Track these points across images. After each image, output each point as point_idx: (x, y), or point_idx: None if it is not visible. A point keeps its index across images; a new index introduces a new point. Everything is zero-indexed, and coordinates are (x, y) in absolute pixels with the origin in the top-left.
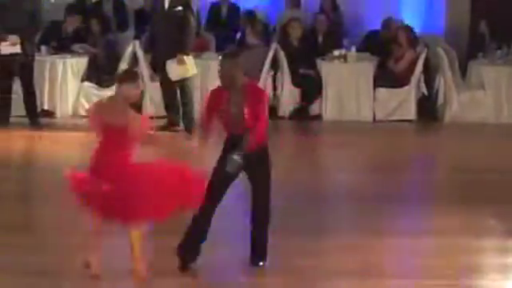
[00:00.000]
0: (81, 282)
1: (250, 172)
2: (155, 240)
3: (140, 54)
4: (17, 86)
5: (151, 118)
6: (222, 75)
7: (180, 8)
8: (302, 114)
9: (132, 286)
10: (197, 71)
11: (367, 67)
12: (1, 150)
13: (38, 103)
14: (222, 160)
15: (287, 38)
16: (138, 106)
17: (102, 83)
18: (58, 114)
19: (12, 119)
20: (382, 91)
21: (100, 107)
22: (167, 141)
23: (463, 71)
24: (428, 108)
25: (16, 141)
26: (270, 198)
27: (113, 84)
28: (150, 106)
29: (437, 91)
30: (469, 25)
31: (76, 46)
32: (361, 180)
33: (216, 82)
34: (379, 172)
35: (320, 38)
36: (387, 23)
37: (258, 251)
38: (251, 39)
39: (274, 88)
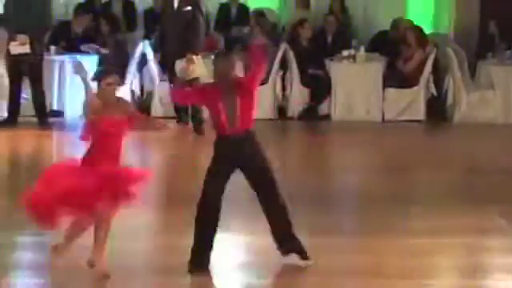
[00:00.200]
0: (89, 282)
1: (244, 165)
2: (161, 239)
3: (149, 53)
4: (26, 86)
5: (160, 118)
6: (217, 74)
7: (189, 8)
8: (310, 114)
9: (138, 285)
10: (206, 71)
11: (376, 67)
12: (10, 150)
13: (47, 103)
14: (214, 169)
15: (297, 39)
16: (146, 106)
17: None
18: (67, 114)
19: (21, 119)
20: (391, 91)
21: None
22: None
23: (472, 71)
24: (437, 108)
25: (25, 140)
26: (274, 186)
27: (122, 84)
28: (158, 106)
29: (446, 91)
30: (478, 25)
31: (85, 46)
32: (369, 180)
33: None
34: (388, 172)
35: (329, 39)
36: (396, 23)
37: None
38: (260, 39)
39: (283, 88)
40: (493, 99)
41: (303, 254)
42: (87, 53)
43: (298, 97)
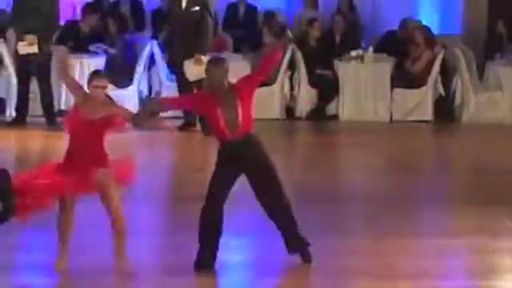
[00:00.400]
0: (94, 281)
1: (247, 169)
2: (166, 238)
3: (157, 54)
4: (34, 86)
5: (168, 118)
6: (210, 81)
7: (197, 8)
8: (318, 115)
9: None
10: None
11: (384, 68)
12: (18, 150)
13: (55, 103)
14: (218, 173)
15: (305, 38)
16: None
17: (118, 83)
18: None
19: (29, 119)
20: (399, 92)
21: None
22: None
23: (480, 72)
24: (445, 109)
25: (33, 140)
26: (278, 189)
27: (130, 84)
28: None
29: (454, 92)
30: (486, 25)
31: (93, 46)
32: (377, 181)
33: (233, 82)
34: (396, 173)
35: (337, 39)
36: (404, 24)
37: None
38: (268, 39)
39: (291, 88)
40: (501, 100)
41: (305, 256)
42: (95, 53)
43: (306, 97)
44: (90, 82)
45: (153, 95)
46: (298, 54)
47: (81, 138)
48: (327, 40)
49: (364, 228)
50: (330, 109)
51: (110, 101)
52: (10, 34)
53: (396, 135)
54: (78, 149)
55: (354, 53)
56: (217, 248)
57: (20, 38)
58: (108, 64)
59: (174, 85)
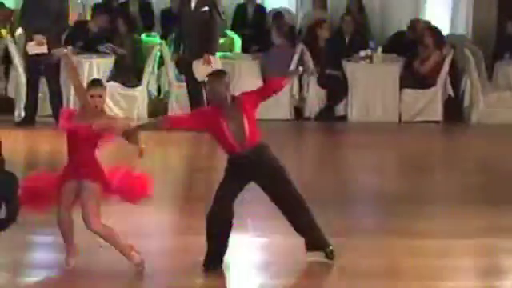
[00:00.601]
0: (109, 280)
1: (257, 177)
2: (174, 240)
3: (166, 54)
4: (43, 86)
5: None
6: (212, 95)
7: (206, 8)
8: (327, 115)
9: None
10: None
11: (393, 68)
12: (27, 150)
13: (64, 103)
14: (227, 180)
15: (315, 39)
16: (163, 107)
17: (127, 83)
18: None
19: (38, 119)
20: (408, 92)
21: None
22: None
23: (490, 72)
24: (454, 109)
25: (42, 141)
26: (290, 192)
27: (138, 84)
28: (175, 106)
29: (463, 92)
30: (495, 25)
31: (102, 47)
32: (386, 181)
33: (242, 82)
34: (405, 173)
35: (346, 39)
36: (414, 24)
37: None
38: (277, 40)
39: (300, 89)
40: (510, 100)
41: (328, 254)
42: (104, 53)
43: (315, 97)
44: (87, 90)
45: (161, 96)
46: (307, 55)
47: (74, 144)
48: (336, 40)
49: (372, 228)
50: (339, 109)
51: (106, 115)
52: (20, 33)
53: (405, 136)
54: (72, 153)
55: (362, 53)
56: (225, 249)
57: (29, 38)
58: (117, 64)
59: (183, 85)
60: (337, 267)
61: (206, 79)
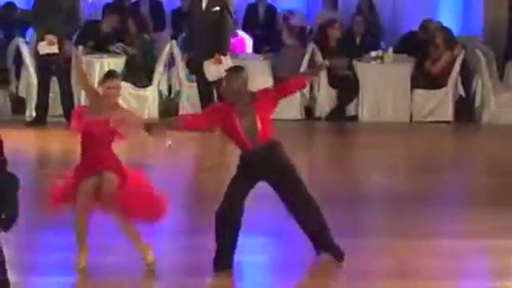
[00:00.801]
0: (120, 280)
1: (267, 175)
2: (183, 239)
3: (177, 54)
4: (54, 86)
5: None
6: (229, 90)
7: (217, 8)
8: (338, 115)
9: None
10: None
11: (404, 68)
12: (39, 150)
13: (75, 103)
14: (238, 177)
15: (326, 39)
16: (173, 106)
17: (138, 83)
18: None
19: (49, 119)
20: (419, 92)
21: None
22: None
23: (501, 72)
24: (465, 109)
25: (53, 140)
26: (300, 192)
27: (149, 84)
28: (186, 106)
29: (474, 92)
30: (507, 26)
31: (113, 46)
32: (397, 181)
33: (253, 82)
34: (416, 173)
35: (357, 39)
36: (425, 24)
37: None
38: (288, 40)
39: (311, 89)
40: None
41: (337, 256)
42: (115, 53)
43: (326, 97)
44: (102, 82)
45: (172, 96)
46: (318, 55)
47: (89, 142)
48: (347, 40)
49: (383, 228)
50: (350, 109)
51: (122, 109)
52: (31, 33)
53: (416, 136)
54: (87, 151)
55: (373, 53)
56: (234, 248)
57: (40, 38)
58: (128, 64)
59: (194, 85)
60: (346, 267)
61: (218, 78)
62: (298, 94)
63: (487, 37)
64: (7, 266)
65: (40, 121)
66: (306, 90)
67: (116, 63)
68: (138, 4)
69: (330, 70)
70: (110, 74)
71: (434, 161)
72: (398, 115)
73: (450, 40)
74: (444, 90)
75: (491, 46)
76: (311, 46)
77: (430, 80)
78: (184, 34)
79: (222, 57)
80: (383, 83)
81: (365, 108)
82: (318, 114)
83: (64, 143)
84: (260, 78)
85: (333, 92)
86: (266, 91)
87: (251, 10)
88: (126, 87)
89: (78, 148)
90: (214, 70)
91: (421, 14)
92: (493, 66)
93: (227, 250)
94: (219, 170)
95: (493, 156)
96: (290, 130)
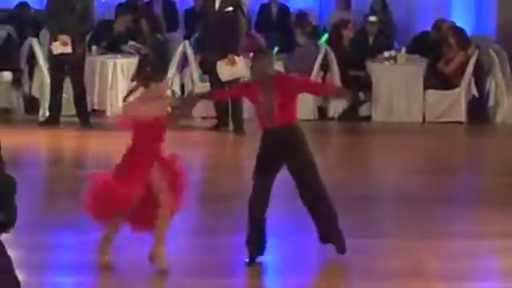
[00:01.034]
0: (133, 279)
1: (285, 158)
2: (197, 239)
3: (190, 54)
4: (67, 86)
5: (203, 118)
6: (255, 72)
7: (231, 8)
8: (351, 115)
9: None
10: (247, 72)
11: (417, 69)
12: (52, 150)
13: (89, 103)
14: (259, 158)
15: (339, 39)
16: None
17: None
18: (108, 113)
19: (63, 119)
20: (432, 93)
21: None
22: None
23: None
24: (478, 110)
25: (67, 140)
26: (315, 182)
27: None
28: (199, 105)
29: (487, 93)
30: None
31: (126, 46)
32: (410, 182)
33: None
34: (429, 174)
35: (370, 40)
36: (438, 25)
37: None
38: (301, 40)
39: None
40: None
41: (339, 248)
42: (128, 53)
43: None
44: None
45: (185, 96)
46: (331, 55)
47: (141, 139)
48: (360, 41)
49: (396, 228)
50: (363, 110)
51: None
52: (44, 33)
53: (429, 136)
54: (139, 151)
55: (386, 54)
56: (261, 235)
57: (54, 38)
58: (141, 64)
59: (207, 85)
60: (360, 268)
61: (231, 79)
62: (311, 95)
63: (500, 37)
64: (14, 265)
65: (53, 121)
66: None
67: (129, 63)
68: (151, 4)
69: (343, 71)
70: (141, 66)
71: (447, 161)
72: (410, 116)
73: (463, 40)
74: (457, 90)
75: (505, 45)
76: (324, 47)
77: (443, 80)
78: (197, 34)
79: (235, 57)
80: (396, 83)
81: (378, 108)
82: (331, 114)
83: (77, 143)
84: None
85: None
86: (292, 79)
87: (264, 10)
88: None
89: (92, 147)
90: (227, 70)
91: (434, 13)
92: (506, 66)
93: (257, 238)
94: (234, 171)
95: (506, 156)
96: (303, 130)
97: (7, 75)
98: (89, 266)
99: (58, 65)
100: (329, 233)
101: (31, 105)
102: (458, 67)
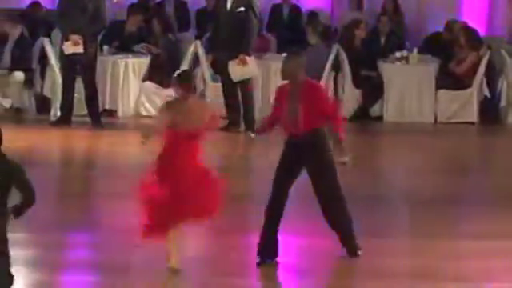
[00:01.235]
0: (146, 279)
1: (306, 161)
2: (215, 239)
3: (201, 54)
4: (79, 86)
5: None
6: (285, 73)
7: (242, 9)
8: (363, 116)
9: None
10: (258, 72)
11: (429, 69)
12: (63, 149)
13: (100, 103)
14: (283, 163)
15: (351, 39)
16: None
17: (163, 83)
18: (120, 113)
19: (74, 118)
20: (444, 93)
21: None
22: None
23: None
24: (490, 110)
25: (78, 140)
26: (333, 184)
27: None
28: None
29: (499, 93)
30: None
31: (137, 46)
32: (422, 182)
33: (277, 83)
34: (440, 174)
35: (382, 40)
36: (450, 25)
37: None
38: (312, 40)
39: (335, 89)
40: None
41: (351, 252)
42: (140, 53)
43: (351, 98)
44: (178, 84)
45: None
46: (343, 55)
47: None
48: (372, 41)
49: (407, 229)
50: (375, 110)
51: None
52: (56, 33)
53: (441, 137)
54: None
55: (398, 54)
56: (273, 235)
57: (66, 38)
58: (152, 64)
59: (218, 85)
60: (372, 268)
61: (242, 78)
62: None
63: None
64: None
65: (65, 120)
66: (331, 91)
67: (141, 63)
68: (162, 4)
69: (354, 71)
70: (184, 78)
71: (459, 162)
72: (422, 116)
73: (474, 40)
74: (469, 90)
75: None
76: (336, 47)
77: (455, 81)
78: (208, 34)
79: (246, 57)
80: (408, 84)
81: (389, 108)
82: (342, 114)
83: (88, 143)
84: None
85: (357, 92)
86: (320, 90)
87: (276, 10)
88: (150, 87)
89: (104, 147)
90: (238, 70)
91: (445, 14)
92: None
93: (268, 238)
94: (249, 172)
95: None
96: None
97: (19, 75)
98: (103, 265)
99: (70, 65)
100: (341, 235)
101: (43, 104)
102: (470, 67)
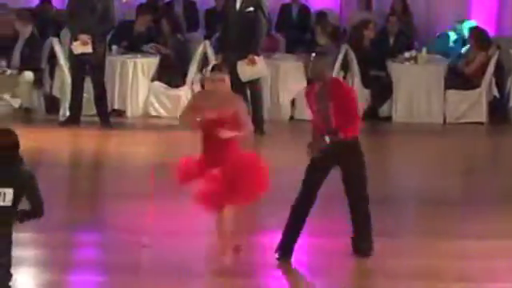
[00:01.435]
0: (154, 279)
1: (342, 162)
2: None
3: (210, 54)
4: (88, 86)
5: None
6: (314, 72)
7: (251, 9)
8: (371, 116)
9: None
10: (267, 72)
11: (438, 69)
12: (72, 149)
13: (109, 103)
14: (316, 163)
15: (360, 40)
16: None
17: (172, 83)
18: (129, 113)
19: (83, 118)
20: (453, 93)
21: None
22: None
23: None
24: (499, 110)
25: (87, 140)
26: (363, 188)
27: (183, 84)
28: None
29: (508, 93)
30: None
31: (146, 46)
32: (431, 182)
33: (286, 82)
34: (450, 175)
35: (391, 40)
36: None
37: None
38: (321, 40)
39: None
40: None
41: (363, 252)
42: (148, 53)
43: (359, 98)
44: (210, 76)
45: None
46: (352, 55)
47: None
48: (381, 41)
49: (417, 229)
50: (384, 110)
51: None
52: (65, 33)
53: (449, 137)
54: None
55: (407, 54)
56: (297, 236)
57: (75, 38)
58: (161, 64)
59: None
60: (379, 267)
61: (251, 78)
62: None
63: None
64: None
65: (74, 120)
66: None
67: (149, 63)
68: (171, 4)
69: (363, 71)
70: (215, 68)
71: (468, 162)
72: (431, 116)
73: (483, 40)
74: (478, 90)
75: None
76: (345, 47)
77: (464, 81)
78: (217, 34)
79: (255, 57)
80: (417, 84)
81: (398, 109)
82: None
83: (97, 143)
84: (293, 78)
85: (366, 92)
86: (348, 90)
87: (285, 10)
88: (159, 87)
89: (113, 147)
90: (247, 70)
91: (454, 14)
92: None
93: (291, 235)
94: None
95: None
96: None
97: (28, 75)
98: (111, 265)
99: (79, 64)
100: (360, 234)
101: (52, 104)
102: (479, 67)
